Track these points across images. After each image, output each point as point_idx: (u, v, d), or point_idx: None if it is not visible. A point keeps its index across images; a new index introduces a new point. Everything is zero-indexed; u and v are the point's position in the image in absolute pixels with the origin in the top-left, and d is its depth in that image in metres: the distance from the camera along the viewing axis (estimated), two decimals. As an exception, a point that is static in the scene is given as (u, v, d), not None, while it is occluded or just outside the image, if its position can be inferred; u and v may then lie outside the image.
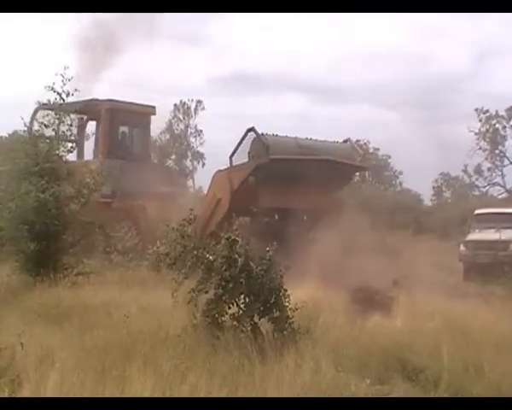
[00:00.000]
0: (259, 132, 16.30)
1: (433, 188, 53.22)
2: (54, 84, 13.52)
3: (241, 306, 8.18)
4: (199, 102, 52.11)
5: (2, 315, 8.35)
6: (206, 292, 8.16)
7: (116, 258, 15.65)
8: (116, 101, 13.89)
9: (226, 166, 16.71)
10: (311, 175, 15.23)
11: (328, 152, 16.95)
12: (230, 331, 7.97)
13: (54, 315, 9.50)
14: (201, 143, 50.93)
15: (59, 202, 13.21)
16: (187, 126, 52.79)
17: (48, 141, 13.68)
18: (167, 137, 50.72)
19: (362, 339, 7.99)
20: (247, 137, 16.68)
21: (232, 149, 16.66)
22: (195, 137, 51.83)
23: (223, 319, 8.16)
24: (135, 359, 7.24)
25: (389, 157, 50.66)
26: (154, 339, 7.90)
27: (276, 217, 17.17)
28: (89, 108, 16.95)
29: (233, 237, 8.04)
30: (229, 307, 8.17)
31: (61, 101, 13.70)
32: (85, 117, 18.12)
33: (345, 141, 18.13)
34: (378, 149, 50.56)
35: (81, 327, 8.56)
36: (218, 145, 38.26)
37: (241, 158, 16.67)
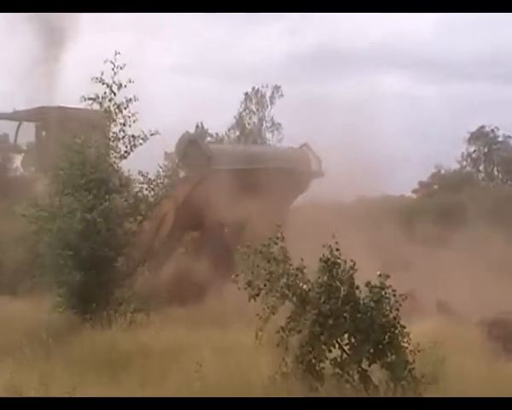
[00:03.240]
0: (202, 142, 18.63)
1: None
2: (102, 74, 13.52)
3: (346, 348, 7.92)
4: (276, 88, 51.91)
5: (45, 367, 8.32)
6: (300, 331, 7.93)
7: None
8: (64, 108, 14.67)
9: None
10: (261, 186, 16.98)
11: (280, 159, 19.03)
12: (332, 382, 7.71)
13: (108, 364, 9.47)
14: (280, 140, 50.66)
15: (110, 221, 13.09)
16: (261, 120, 52.90)
17: (96, 146, 13.63)
18: (237, 133, 50.95)
19: (507, 391, 7.59)
20: (189, 148, 19.01)
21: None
22: (272, 132, 51.80)
23: (321, 365, 7.91)
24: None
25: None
26: (234, 393, 7.73)
27: (226, 231, 18.67)
28: (39, 116, 18.11)
29: (333, 260, 7.83)
30: (330, 350, 7.92)
31: (112, 94, 13.73)
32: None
33: (301, 146, 19.86)
34: (510, 137, 49.00)
35: (143, 379, 8.48)
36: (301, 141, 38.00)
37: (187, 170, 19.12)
